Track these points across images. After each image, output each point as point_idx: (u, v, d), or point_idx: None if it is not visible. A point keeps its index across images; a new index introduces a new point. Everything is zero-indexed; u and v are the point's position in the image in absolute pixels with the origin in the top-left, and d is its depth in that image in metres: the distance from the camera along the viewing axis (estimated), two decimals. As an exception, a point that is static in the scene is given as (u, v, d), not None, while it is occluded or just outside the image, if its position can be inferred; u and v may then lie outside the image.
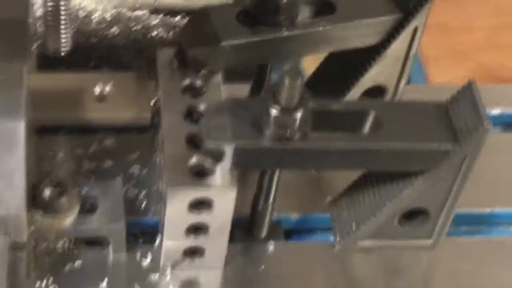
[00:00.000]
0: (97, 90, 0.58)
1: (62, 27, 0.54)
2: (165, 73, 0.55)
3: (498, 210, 0.61)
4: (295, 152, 0.50)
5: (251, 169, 0.55)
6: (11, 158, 0.48)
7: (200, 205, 0.51)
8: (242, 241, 0.57)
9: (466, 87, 0.53)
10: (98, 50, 0.67)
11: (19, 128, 0.48)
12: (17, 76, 0.49)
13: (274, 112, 0.49)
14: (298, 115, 0.49)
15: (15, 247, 0.49)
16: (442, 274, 0.58)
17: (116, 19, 0.69)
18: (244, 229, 0.57)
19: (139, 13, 0.69)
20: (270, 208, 0.56)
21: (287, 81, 0.48)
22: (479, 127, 0.51)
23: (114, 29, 0.68)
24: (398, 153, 0.51)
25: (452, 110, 0.53)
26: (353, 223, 0.57)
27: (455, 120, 0.52)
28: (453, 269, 0.58)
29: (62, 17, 0.53)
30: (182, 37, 0.56)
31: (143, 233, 0.56)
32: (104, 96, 0.58)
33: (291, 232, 0.59)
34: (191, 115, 0.53)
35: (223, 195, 0.51)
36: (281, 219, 0.58)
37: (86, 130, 0.59)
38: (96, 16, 0.68)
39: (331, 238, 0.58)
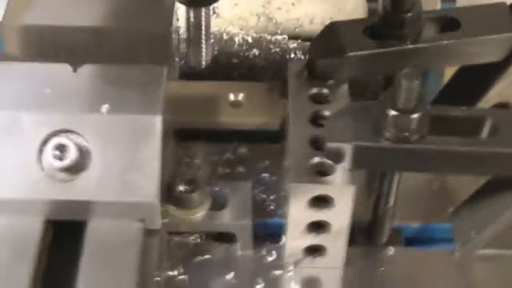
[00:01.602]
0: (231, 97, 0.63)
1: (203, 41, 0.59)
2: (294, 83, 0.59)
3: None
4: (412, 153, 0.53)
5: (369, 169, 0.57)
6: (148, 149, 0.53)
7: (320, 202, 0.54)
8: (363, 245, 0.59)
9: None
10: (238, 70, 0.72)
11: (157, 122, 0.53)
12: (158, 78, 0.55)
13: (392, 113, 0.52)
14: (416, 117, 0.52)
15: (148, 233, 0.54)
16: None
17: (257, 42, 0.74)
18: (365, 234, 0.60)
19: (278, 37, 0.74)
20: (390, 212, 0.58)
21: (404, 84, 0.51)
22: None
23: (254, 51, 0.73)
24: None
25: None
26: (473, 231, 0.58)
27: None
28: None
29: (203, 31, 0.59)
30: (312, 49, 0.60)
31: (270, 234, 0.60)
32: (238, 102, 0.63)
33: (412, 241, 0.61)
34: (316, 120, 0.57)
35: (342, 193, 0.53)
36: (402, 227, 0.60)
37: (222, 139, 0.64)
38: (238, 39, 0.73)
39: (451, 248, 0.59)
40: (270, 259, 0.58)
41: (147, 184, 0.53)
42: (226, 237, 0.59)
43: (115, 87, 0.54)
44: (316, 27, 0.75)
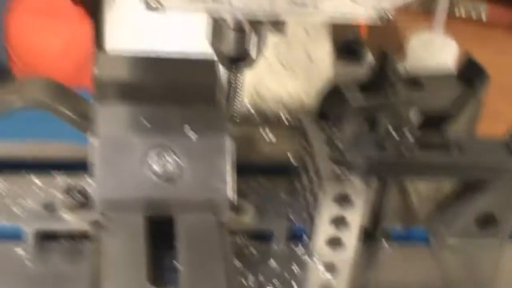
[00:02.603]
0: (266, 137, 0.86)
1: (235, 96, 0.80)
2: (311, 124, 0.81)
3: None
4: (405, 164, 0.75)
5: (376, 176, 0.79)
6: (221, 161, 0.73)
7: (342, 200, 0.75)
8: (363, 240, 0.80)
9: None
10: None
11: (227, 142, 0.73)
12: (220, 114, 0.76)
13: (393, 134, 0.74)
14: (409, 137, 0.74)
15: (221, 225, 0.73)
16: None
17: (256, 110, 0.96)
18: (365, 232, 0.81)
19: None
20: (385, 214, 0.79)
21: (403, 114, 0.74)
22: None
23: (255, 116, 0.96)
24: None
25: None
26: (443, 226, 0.80)
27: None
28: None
29: (236, 89, 0.80)
30: (322, 102, 0.83)
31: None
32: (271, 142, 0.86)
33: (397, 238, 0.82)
34: (331, 147, 0.79)
35: (359, 193, 0.74)
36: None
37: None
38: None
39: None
40: (298, 251, 0.78)
41: (222, 186, 0.73)
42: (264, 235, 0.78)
43: (193, 119, 0.74)
44: (293, 101, 0.98)
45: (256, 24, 0.70)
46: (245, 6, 0.66)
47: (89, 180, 0.79)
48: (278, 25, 0.69)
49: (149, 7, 0.65)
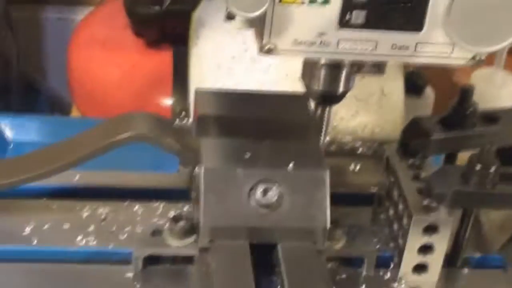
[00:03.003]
0: (351, 167, 0.91)
1: (324, 130, 0.86)
2: (395, 156, 0.86)
3: None
4: (489, 196, 0.80)
5: (460, 208, 0.84)
6: (321, 193, 0.78)
7: (429, 230, 0.80)
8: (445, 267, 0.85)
9: None
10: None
11: (325, 175, 0.78)
12: (317, 147, 0.81)
13: (477, 168, 0.79)
14: (492, 171, 0.79)
15: (319, 252, 0.78)
16: None
17: (333, 141, 1.01)
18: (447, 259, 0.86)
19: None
20: (466, 243, 0.84)
21: (486, 148, 0.79)
22: None
23: (332, 147, 1.01)
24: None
25: None
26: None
27: None
28: None
29: (324, 123, 0.86)
30: (403, 134, 0.88)
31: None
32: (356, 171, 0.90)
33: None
34: (416, 179, 0.84)
35: (445, 223, 0.80)
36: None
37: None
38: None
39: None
40: (386, 277, 0.83)
41: (320, 216, 0.78)
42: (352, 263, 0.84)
43: (292, 153, 0.79)
44: (366, 133, 1.04)
45: (357, 65, 0.75)
46: (350, 49, 0.71)
47: (187, 208, 0.85)
48: (378, 66, 0.75)
49: (263, 49, 0.71)
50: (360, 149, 1.00)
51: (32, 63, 2.19)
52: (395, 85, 1.04)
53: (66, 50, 1.70)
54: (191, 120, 0.89)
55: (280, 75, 1.01)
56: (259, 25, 0.71)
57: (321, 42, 0.71)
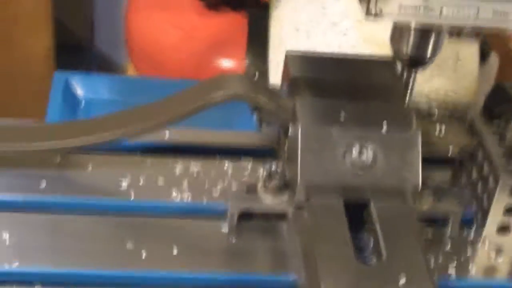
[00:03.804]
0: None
1: (412, 92, 0.88)
2: (480, 118, 0.88)
3: None
4: None
5: None
6: (413, 153, 0.80)
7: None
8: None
9: None
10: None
11: (418, 136, 0.81)
12: (407, 111, 0.84)
13: None
14: None
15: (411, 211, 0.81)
16: None
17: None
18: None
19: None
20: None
21: None
22: None
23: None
24: None
25: None
26: None
27: None
28: None
29: (409, 88, 0.88)
30: (488, 100, 0.90)
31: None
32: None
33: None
34: (502, 141, 0.86)
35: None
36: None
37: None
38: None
39: None
40: (470, 237, 0.86)
41: (412, 177, 0.80)
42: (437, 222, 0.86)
43: (385, 115, 0.82)
44: (440, 97, 1.06)
45: (457, 29, 0.77)
46: (453, 16, 0.73)
47: (276, 166, 0.88)
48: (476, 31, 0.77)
49: (369, 13, 0.73)
50: (436, 112, 1.03)
51: (80, 22, 2.21)
52: (470, 50, 1.05)
53: (122, 12, 1.73)
54: (270, 81, 0.92)
55: (359, 39, 1.03)
56: (366, -11, 0.73)
57: (425, 8, 0.73)
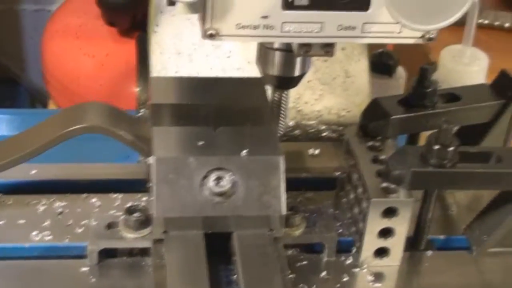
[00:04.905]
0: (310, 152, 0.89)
1: (282, 114, 0.84)
2: (354, 139, 0.85)
3: None
4: (448, 176, 0.78)
5: (420, 189, 0.82)
6: (275, 179, 0.76)
7: (388, 214, 0.79)
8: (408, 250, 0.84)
9: None
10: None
11: (280, 161, 0.77)
12: (273, 132, 0.80)
13: (436, 148, 0.78)
14: (451, 150, 0.78)
15: (275, 240, 0.77)
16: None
17: (297, 126, 1.00)
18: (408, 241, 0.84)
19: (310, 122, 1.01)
20: (429, 224, 0.83)
21: (444, 128, 0.77)
22: None
23: (297, 132, 0.99)
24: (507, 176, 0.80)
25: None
26: (484, 236, 0.84)
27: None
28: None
29: (282, 108, 0.84)
30: (364, 116, 0.87)
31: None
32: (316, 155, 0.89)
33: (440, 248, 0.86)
34: (376, 161, 0.82)
35: (405, 205, 0.78)
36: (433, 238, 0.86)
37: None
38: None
39: (470, 251, 0.85)
40: (348, 262, 0.82)
41: (276, 203, 0.76)
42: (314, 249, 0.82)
43: (246, 139, 0.78)
44: (332, 117, 1.02)
45: (305, 47, 0.74)
46: (295, 32, 0.70)
47: (145, 199, 0.84)
48: (327, 47, 0.73)
49: (205, 35, 0.69)
50: (326, 133, 0.99)
51: (10, 56, 2.17)
52: (359, 66, 1.02)
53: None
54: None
55: (242, 61, 0.99)
56: (200, 9, 0.69)
57: (265, 26, 0.69)
